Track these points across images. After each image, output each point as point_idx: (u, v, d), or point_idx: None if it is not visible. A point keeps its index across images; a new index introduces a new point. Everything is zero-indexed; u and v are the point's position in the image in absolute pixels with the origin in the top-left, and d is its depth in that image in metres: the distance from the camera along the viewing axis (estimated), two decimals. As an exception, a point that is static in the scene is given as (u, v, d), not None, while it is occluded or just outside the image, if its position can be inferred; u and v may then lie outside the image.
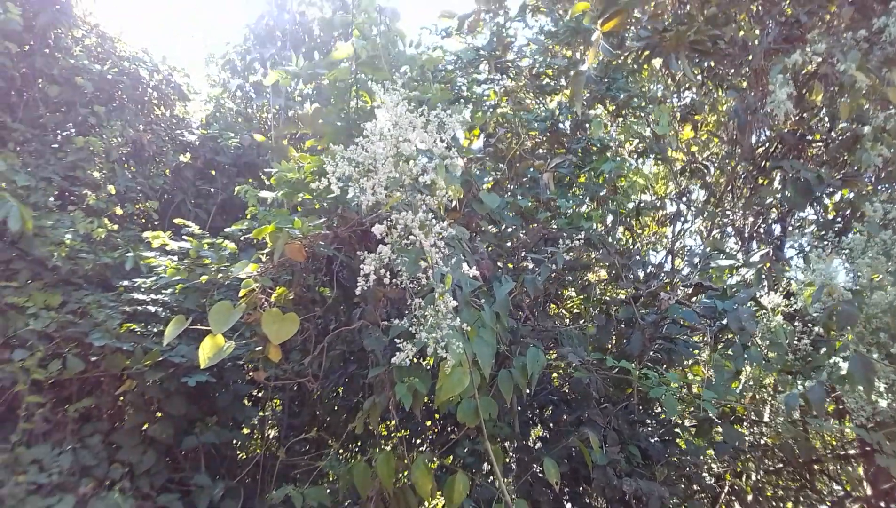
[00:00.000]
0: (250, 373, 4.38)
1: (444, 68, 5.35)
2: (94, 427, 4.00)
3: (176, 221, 4.65)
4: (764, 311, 3.19)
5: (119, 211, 5.05)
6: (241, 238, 4.59)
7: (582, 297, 4.21)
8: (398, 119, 2.29)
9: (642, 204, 4.46)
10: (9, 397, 3.86)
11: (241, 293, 3.37)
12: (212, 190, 6.79)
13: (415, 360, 2.90)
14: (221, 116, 7.38)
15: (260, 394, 4.53)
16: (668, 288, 3.54)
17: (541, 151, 4.66)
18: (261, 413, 4.62)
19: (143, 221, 5.98)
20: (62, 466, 3.62)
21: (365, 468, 3.13)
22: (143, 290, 4.42)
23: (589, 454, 3.20)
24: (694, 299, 3.61)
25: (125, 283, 4.46)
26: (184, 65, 7.21)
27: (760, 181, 6.06)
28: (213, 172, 6.90)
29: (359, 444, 4.04)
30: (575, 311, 5.11)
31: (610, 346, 3.72)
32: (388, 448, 3.22)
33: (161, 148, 6.39)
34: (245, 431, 4.56)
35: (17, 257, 4.48)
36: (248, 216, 4.39)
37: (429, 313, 2.38)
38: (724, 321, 3.26)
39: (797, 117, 5.81)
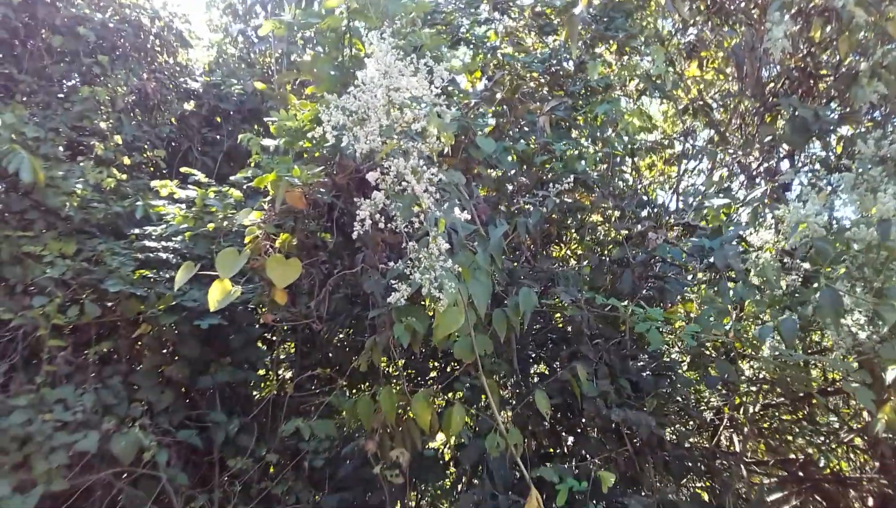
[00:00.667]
0: (260, 317, 4.55)
1: (444, 9, 5.32)
2: (113, 369, 4.21)
3: (183, 170, 4.76)
4: (752, 248, 3.28)
5: (127, 161, 5.15)
6: (245, 186, 4.69)
7: (578, 238, 4.31)
8: (388, 68, 2.34)
9: (639, 144, 4.49)
10: (31, 341, 4.05)
11: (245, 240, 3.50)
12: (217, 137, 6.86)
13: (417, 301, 3.03)
14: (224, 63, 7.39)
15: (273, 337, 4.71)
16: (658, 228, 3.62)
17: (543, 92, 4.67)
18: (273, 354, 4.81)
19: (152, 169, 6.08)
20: (85, 405, 3.82)
21: (369, 402, 3.31)
22: (153, 237, 4.56)
23: (578, 386, 3.36)
24: (685, 238, 3.69)
25: (136, 231, 4.60)
26: (184, 10, 7.18)
27: (767, 118, 6.04)
28: (218, 120, 6.96)
29: (366, 381, 4.23)
30: (579, 252, 5.21)
31: (604, 285, 3.84)
32: (391, 384, 3.39)
33: (165, 96, 6.44)
34: (260, 372, 4.77)
35: (31, 207, 4.61)
36: (252, 164, 4.48)
37: (422, 255, 2.49)
38: (712, 260, 3.36)
39: (806, 53, 5.74)
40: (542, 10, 5.42)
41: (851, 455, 6.93)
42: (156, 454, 3.72)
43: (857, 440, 6.63)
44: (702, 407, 6.04)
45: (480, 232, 3.13)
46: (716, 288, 3.43)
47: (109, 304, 4.23)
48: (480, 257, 2.92)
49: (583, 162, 3.61)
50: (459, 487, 3.88)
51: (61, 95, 6.09)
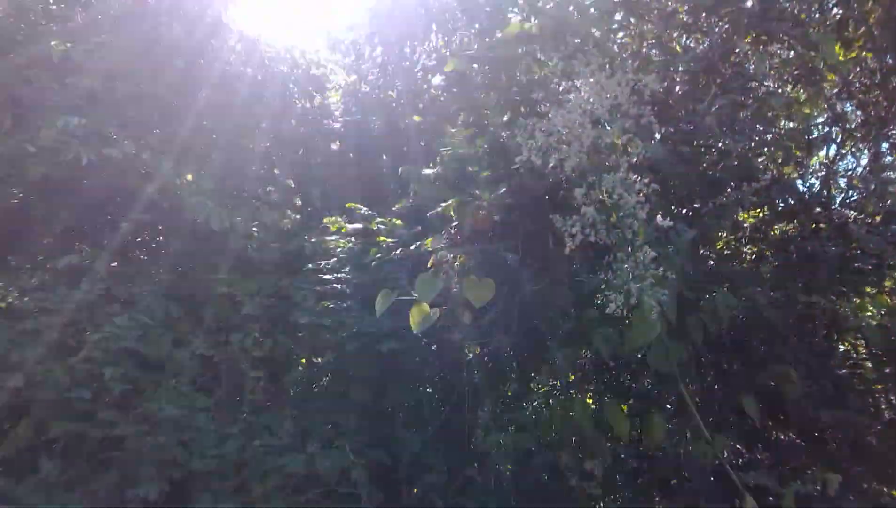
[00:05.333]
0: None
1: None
2: (305, 394, 4.52)
3: (348, 205, 5.06)
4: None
5: (298, 201, 5.53)
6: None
7: (757, 236, 4.18)
8: (597, 86, 2.43)
9: (810, 134, 4.31)
10: (233, 374, 4.41)
11: (429, 264, 3.68)
12: (358, 173, 7.20)
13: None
14: (359, 102, 7.76)
15: (443, 356, 4.87)
16: (856, 218, 3.47)
17: (700, 89, 4.55)
18: (442, 375, 4.97)
19: (309, 209, 6.47)
20: (287, 429, 4.13)
21: (563, 413, 3.37)
22: (326, 270, 4.88)
23: (785, 389, 3.25)
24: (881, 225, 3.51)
25: (310, 266, 4.94)
26: (319, 56, 7.60)
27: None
28: (354, 156, 7.31)
29: (555, 392, 4.29)
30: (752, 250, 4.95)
31: (794, 283, 3.70)
32: (584, 395, 3.44)
33: (312, 140, 6.86)
34: (430, 391, 4.94)
35: (216, 251, 5.06)
36: (413, 193, 4.71)
37: (628, 265, 2.54)
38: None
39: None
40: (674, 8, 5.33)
41: None
42: (358, 473, 3.94)
43: None
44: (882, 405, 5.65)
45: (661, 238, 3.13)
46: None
47: (299, 334, 4.54)
48: (670, 263, 2.92)
49: (760, 157, 3.53)
50: (656, 497, 3.84)
51: (219, 148, 6.62)
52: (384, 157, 7.27)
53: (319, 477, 3.99)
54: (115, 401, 3.97)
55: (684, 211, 4.05)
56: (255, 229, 5.11)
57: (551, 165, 2.53)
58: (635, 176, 2.49)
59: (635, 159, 2.65)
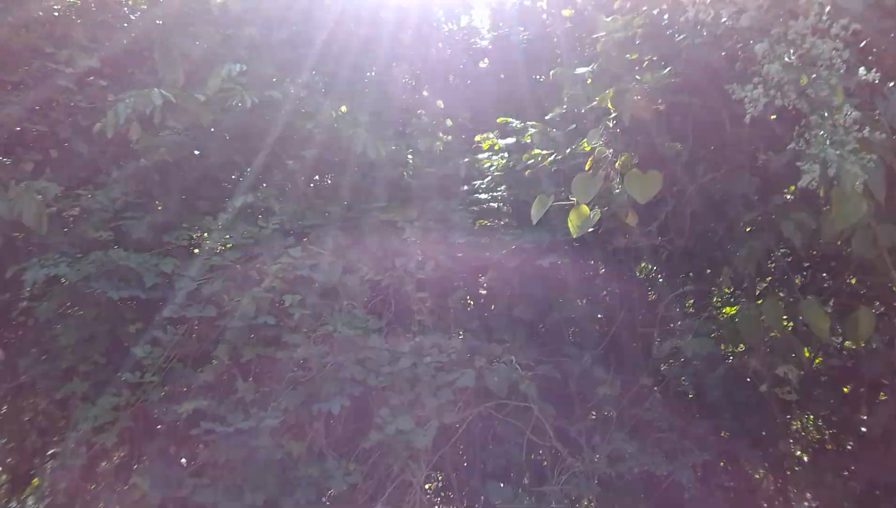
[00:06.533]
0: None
1: None
2: (470, 314, 4.53)
3: (499, 119, 4.91)
4: None
5: (449, 123, 5.47)
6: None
7: None
8: None
9: None
10: (401, 296, 4.51)
11: (587, 166, 3.44)
12: (509, 90, 6.93)
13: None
14: (506, 15, 7.40)
15: (609, 267, 4.64)
16: None
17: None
18: (609, 288, 4.75)
19: (463, 136, 6.37)
20: (455, 347, 4.17)
21: (751, 314, 3.05)
22: (481, 190, 4.80)
23: None
24: None
25: (465, 187, 4.89)
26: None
27: None
28: (504, 73, 7.03)
29: (739, 294, 3.94)
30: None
31: None
32: (776, 293, 3.08)
33: (460, 62, 6.71)
34: (597, 304, 4.75)
35: (374, 180, 5.15)
36: (566, 99, 4.43)
37: (825, 131, 2.15)
38: None
39: None
40: None
41: None
42: (527, 386, 3.91)
43: None
44: None
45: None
46: None
47: (458, 254, 4.53)
48: (877, 130, 2.46)
49: None
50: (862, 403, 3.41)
51: (367, 79, 6.65)
52: (537, 76, 6.94)
53: (490, 392, 4.01)
54: (297, 326, 4.22)
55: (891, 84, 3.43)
56: (409, 155, 5.13)
57: (723, 20, 2.18)
58: (829, 21, 2.07)
59: (828, 8, 2.21)
